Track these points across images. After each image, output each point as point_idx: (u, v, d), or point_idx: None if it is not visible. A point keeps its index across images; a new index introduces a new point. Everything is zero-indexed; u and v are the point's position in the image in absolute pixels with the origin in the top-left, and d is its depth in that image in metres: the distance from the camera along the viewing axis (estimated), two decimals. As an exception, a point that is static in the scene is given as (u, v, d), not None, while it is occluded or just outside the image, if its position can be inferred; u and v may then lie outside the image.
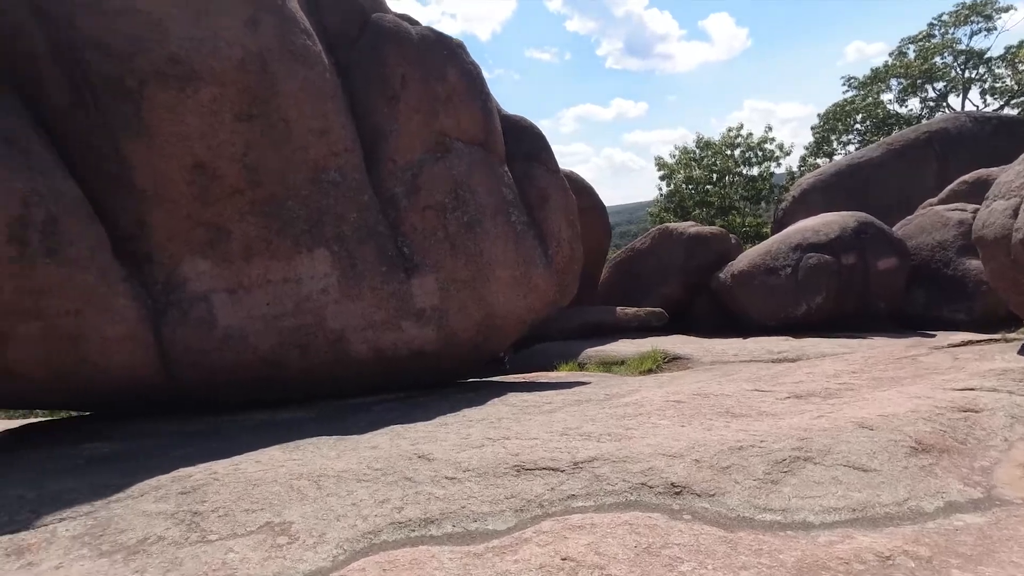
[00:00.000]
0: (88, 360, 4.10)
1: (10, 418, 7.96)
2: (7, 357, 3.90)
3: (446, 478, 2.83)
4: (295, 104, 4.64)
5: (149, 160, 4.21)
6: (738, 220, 27.41)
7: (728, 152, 29.36)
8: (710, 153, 29.54)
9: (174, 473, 3.13)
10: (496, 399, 5.01)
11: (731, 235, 13.83)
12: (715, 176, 29.35)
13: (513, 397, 5.07)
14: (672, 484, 2.60)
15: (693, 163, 29.52)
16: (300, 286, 4.74)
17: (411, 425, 4.06)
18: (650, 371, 8.08)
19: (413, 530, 2.42)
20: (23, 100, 4.13)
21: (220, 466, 3.21)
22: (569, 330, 11.86)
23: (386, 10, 5.76)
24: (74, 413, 6.13)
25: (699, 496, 2.51)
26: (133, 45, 4.07)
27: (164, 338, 4.40)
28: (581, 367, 9.23)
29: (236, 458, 3.37)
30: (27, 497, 2.90)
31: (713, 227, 14.14)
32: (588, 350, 10.19)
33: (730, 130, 29.49)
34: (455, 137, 5.68)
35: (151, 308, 4.39)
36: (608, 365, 9.15)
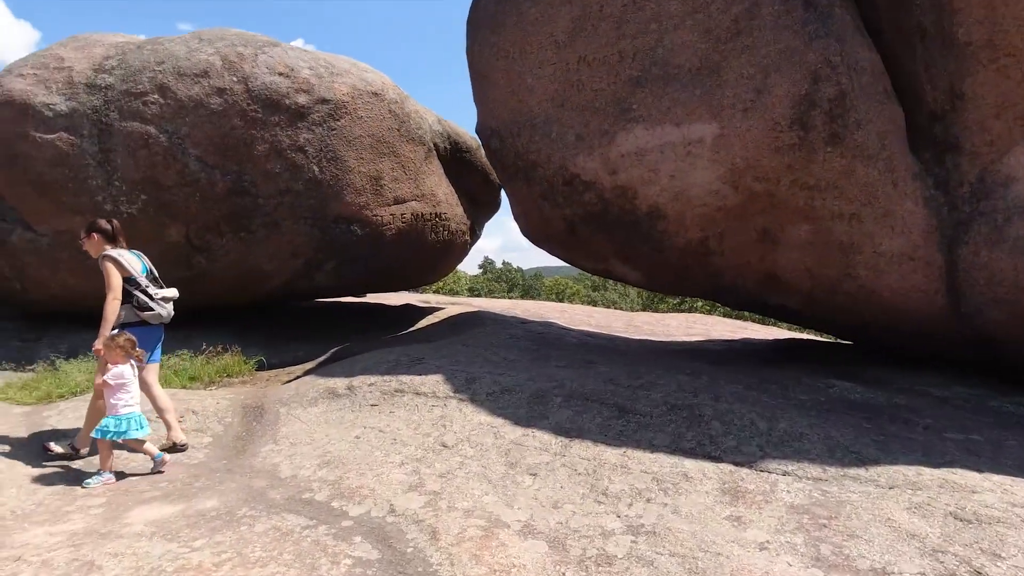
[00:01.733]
0: (853, 276, 3.35)
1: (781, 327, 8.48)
2: (775, 261, 3.61)
3: None
4: None
5: (983, -4, 2.83)
6: None
7: None
8: None
9: (955, 471, 2.03)
10: None
11: None
12: None
13: None
14: None
15: None
16: None
17: None
18: None
19: None
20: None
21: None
22: None
23: None
24: (827, 338, 5.73)
25: None
26: None
27: (959, 260, 3.14)
28: None
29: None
30: (759, 427, 2.46)
31: None
32: None
33: None
34: None
35: (946, 218, 3.16)
36: None
